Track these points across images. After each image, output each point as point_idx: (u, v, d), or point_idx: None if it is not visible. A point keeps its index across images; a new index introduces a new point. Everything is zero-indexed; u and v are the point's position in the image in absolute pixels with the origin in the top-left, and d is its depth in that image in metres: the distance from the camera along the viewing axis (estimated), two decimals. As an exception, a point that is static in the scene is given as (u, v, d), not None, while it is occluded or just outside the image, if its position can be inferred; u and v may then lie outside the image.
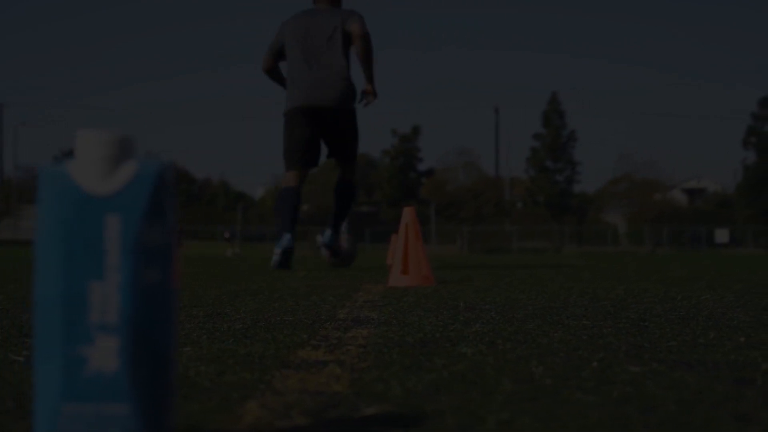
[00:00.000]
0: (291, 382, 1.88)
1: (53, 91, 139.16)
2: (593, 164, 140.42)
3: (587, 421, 1.41)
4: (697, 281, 6.44)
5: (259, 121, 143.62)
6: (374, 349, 2.46)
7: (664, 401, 1.58)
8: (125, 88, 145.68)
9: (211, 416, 1.50)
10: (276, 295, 4.99)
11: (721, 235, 61.89)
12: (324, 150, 9.81)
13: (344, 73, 9.37)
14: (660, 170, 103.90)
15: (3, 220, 77.57)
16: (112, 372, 1.18)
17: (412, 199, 78.38)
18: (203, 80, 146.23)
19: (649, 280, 6.66)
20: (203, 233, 69.19)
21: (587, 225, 75.28)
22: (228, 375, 1.99)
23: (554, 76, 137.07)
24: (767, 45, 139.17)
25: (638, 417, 1.44)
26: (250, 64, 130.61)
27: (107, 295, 1.18)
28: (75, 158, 1.21)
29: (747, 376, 1.88)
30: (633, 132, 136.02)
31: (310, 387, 1.81)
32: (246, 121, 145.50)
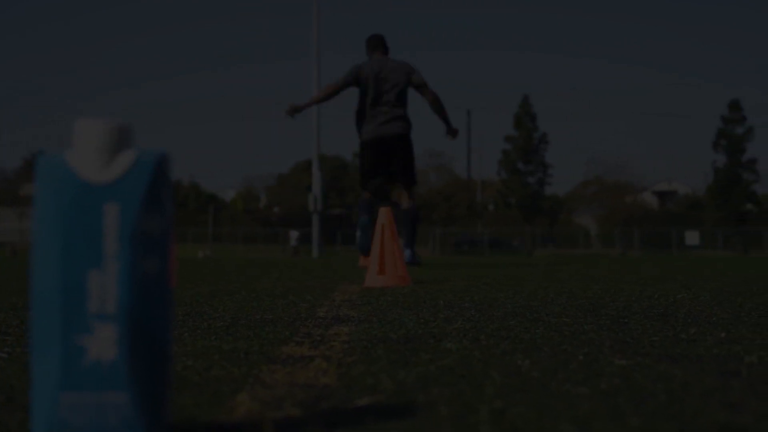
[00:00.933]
0: (279, 375, 1.88)
1: (23, 93, 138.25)
2: (565, 167, 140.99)
3: (579, 412, 1.42)
4: (671, 281, 6.48)
5: (229, 123, 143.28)
6: (359, 345, 2.46)
7: (653, 392, 1.59)
8: (98, 91, 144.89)
9: (204, 409, 1.50)
10: (253, 295, 4.99)
11: (692, 238, 62.26)
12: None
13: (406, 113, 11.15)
14: (630, 173, 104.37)
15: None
16: (111, 361, 1.18)
17: (384, 202, 78.30)
18: (174, 83, 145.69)
19: (623, 280, 6.70)
20: (175, 235, 69.01)
21: (558, 227, 75.56)
22: (215, 370, 1.99)
23: (526, 78, 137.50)
24: (738, 48, 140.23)
25: (629, 407, 1.46)
26: (221, 67, 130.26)
27: (106, 285, 1.18)
28: (73, 147, 1.21)
29: (732, 369, 1.89)
30: (604, 134, 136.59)
31: (299, 380, 1.81)
32: (217, 123, 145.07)
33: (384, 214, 6.85)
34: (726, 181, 71.53)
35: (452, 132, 11.54)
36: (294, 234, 59.05)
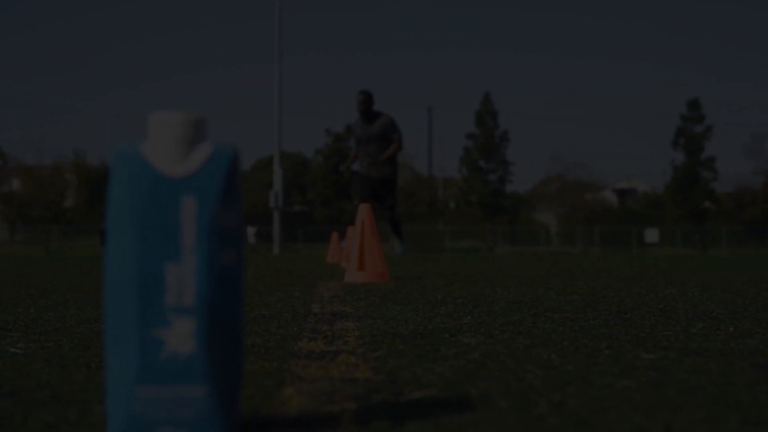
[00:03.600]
0: (313, 370, 1.88)
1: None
2: (526, 165, 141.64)
3: (635, 403, 1.43)
4: (652, 278, 6.53)
5: (213, 123, 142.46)
6: (374, 339, 2.47)
7: (699, 384, 1.61)
8: (59, 86, 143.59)
9: (256, 402, 1.50)
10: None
11: (651, 235, 62.69)
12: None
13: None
14: (591, 171, 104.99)
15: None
16: (188, 354, 1.18)
17: (345, 199, 78.28)
18: (137, 84, 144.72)
19: (602, 277, 6.75)
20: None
21: (520, 225, 75.80)
22: (246, 364, 1.98)
23: (488, 75, 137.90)
24: (695, 47, 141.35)
25: (682, 399, 1.47)
26: (183, 67, 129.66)
27: (183, 277, 1.18)
28: (148, 140, 1.20)
29: (762, 362, 1.92)
30: (565, 132, 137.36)
31: (335, 374, 1.81)
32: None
33: (364, 210, 6.85)
34: (685, 180, 72.08)
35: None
36: (251, 230, 58.71)
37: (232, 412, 1.20)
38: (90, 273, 9.04)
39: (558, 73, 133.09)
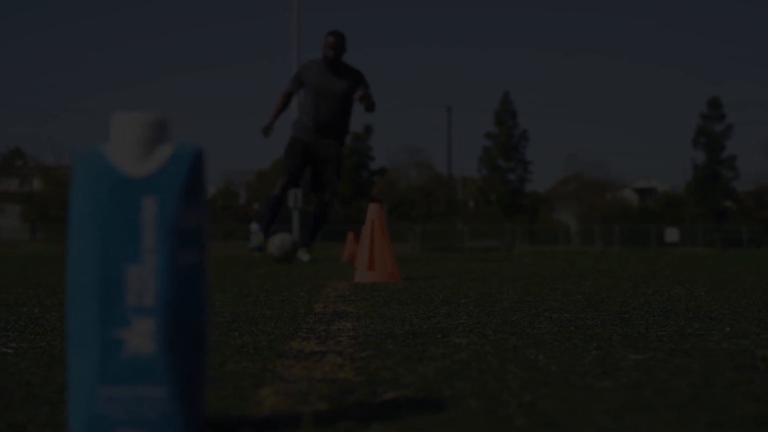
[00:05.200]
0: (296, 370, 1.88)
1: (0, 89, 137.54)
2: (545, 164, 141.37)
3: (608, 405, 1.42)
4: (662, 277, 6.50)
5: (208, 121, 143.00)
6: (367, 340, 2.46)
7: (677, 386, 1.60)
8: (77, 86, 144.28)
9: (230, 403, 1.50)
10: (245, 291, 4.97)
11: (671, 235, 62.47)
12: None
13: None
14: (608, 170, 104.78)
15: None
16: (149, 354, 1.18)
17: (363, 198, 78.32)
18: (154, 83, 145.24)
19: (614, 276, 6.72)
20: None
21: (539, 224, 75.69)
22: (230, 365, 1.98)
23: (507, 74, 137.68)
24: (716, 45, 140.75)
25: (657, 400, 1.46)
26: (200, 66, 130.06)
27: (143, 278, 1.18)
28: (110, 140, 1.20)
29: (747, 363, 1.90)
30: (584, 131, 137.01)
31: (317, 375, 1.81)
32: (196, 121, 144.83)
33: (374, 209, 6.85)
34: (705, 178, 71.84)
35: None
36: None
37: (193, 412, 1.20)
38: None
39: (577, 71, 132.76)
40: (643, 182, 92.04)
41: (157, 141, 1.20)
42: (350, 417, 1.36)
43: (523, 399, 1.47)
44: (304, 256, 11.67)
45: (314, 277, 7.08)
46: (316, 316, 3.32)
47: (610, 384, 1.63)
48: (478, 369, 1.84)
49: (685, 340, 2.38)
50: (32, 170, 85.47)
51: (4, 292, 5.02)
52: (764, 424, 1.29)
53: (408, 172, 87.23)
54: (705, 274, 7.40)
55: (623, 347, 2.21)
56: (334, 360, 2.04)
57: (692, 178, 73.33)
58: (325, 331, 2.73)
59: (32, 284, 6.01)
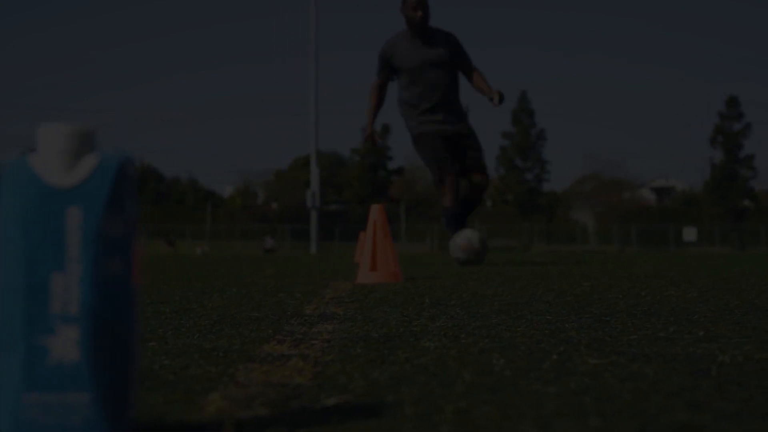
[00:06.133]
0: (255, 375, 1.90)
1: (20, 91, 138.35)
2: (562, 163, 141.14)
3: (543, 411, 1.44)
4: (662, 278, 6.49)
5: (227, 121, 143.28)
6: (339, 343, 2.48)
7: (620, 391, 1.61)
8: (96, 88, 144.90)
9: (175, 407, 1.52)
10: (243, 292, 5.00)
11: (689, 234, 62.32)
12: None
13: None
14: (626, 169, 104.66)
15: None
16: (74, 362, 1.20)
17: (381, 198, 78.39)
18: (172, 81, 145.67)
19: (615, 277, 6.71)
20: (173, 232, 68.95)
21: (556, 224, 75.59)
22: (192, 368, 2.00)
23: (524, 74, 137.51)
24: (735, 44, 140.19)
25: (593, 406, 1.47)
26: (219, 66, 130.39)
27: (68, 286, 1.20)
28: (37, 152, 1.22)
29: (703, 368, 1.91)
30: (602, 131, 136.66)
31: (274, 379, 1.82)
32: (215, 120, 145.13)
33: (376, 210, 6.87)
34: (723, 178, 71.61)
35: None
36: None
37: (119, 418, 1.22)
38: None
39: (595, 71, 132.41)
40: (660, 181, 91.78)
41: (82, 152, 1.22)
42: (284, 423, 1.37)
43: (459, 405, 1.48)
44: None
45: (319, 278, 7.11)
46: (302, 318, 3.34)
47: (555, 390, 1.64)
48: (432, 374, 1.85)
49: (654, 344, 2.38)
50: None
51: None
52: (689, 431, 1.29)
53: (426, 171, 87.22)
54: (709, 274, 7.37)
55: (588, 351, 2.21)
56: (296, 364, 2.05)
57: (710, 177, 73.09)
58: (303, 334, 2.75)
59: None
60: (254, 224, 78.44)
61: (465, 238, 9.74)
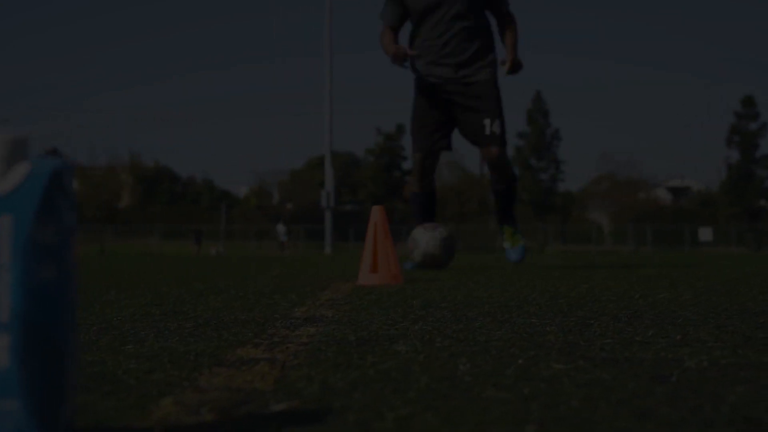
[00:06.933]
0: (218, 379, 1.90)
1: (37, 91, 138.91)
2: (577, 163, 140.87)
3: (486, 417, 1.43)
4: (663, 279, 6.48)
5: (243, 120, 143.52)
6: (313, 347, 2.48)
7: (570, 398, 1.60)
8: (111, 88, 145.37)
9: (123, 413, 1.52)
10: (241, 294, 5.01)
11: (705, 234, 62.10)
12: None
13: None
14: (642, 169, 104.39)
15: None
16: (4, 369, 1.20)
17: (396, 198, 78.39)
18: (187, 81, 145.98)
19: (616, 278, 6.70)
20: (187, 232, 69.13)
21: (571, 224, 75.44)
22: (157, 373, 2.00)
23: (538, 74, 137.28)
24: (750, 43, 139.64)
25: (538, 413, 1.47)
26: (234, 65, 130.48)
27: (-1, 294, 1.20)
28: (-31, 159, 1.23)
29: (665, 373, 1.90)
30: (617, 131, 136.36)
31: (234, 384, 1.83)
32: (230, 120, 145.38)
33: (376, 212, 6.87)
34: (739, 178, 71.35)
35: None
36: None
37: (52, 424, 1.23)
38: (129, 272, 9.14)
39: (610, 70, 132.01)
40: (676, 181, 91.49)
41: (14, 160, 1.22)
42: (219, 429, 1.38)
43: (402, 412, 1.48)
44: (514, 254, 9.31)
45: (323, 279, 7.13)
46: (288, 321, 3.34)
47: (508, 396, 1.63)
48: (392, 379, 1.85)
49: (627, 348, 2.37)
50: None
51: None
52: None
53: (440, 171, 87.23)
54: (712, 275, 7.34)
55: (557, 356, 2.21)
56: (262, 369, 2.06)
57: (726, 177, 72.83)
58: (282, 338, 2.75)
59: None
60: (269, 224, 78.48)
61: (412, 239, 8.95)
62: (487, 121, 8.41)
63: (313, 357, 2.25)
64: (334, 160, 43.60)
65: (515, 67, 8.58)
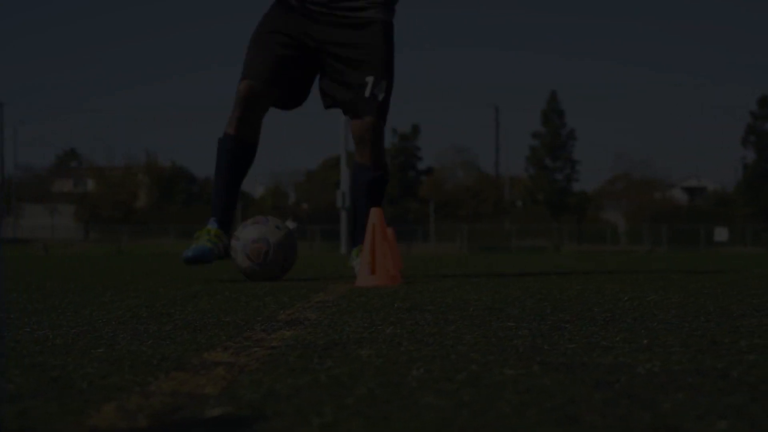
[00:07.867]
0: (169, 384, 1.92)
1: (55, 91, 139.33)
2: (593, 163, 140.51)
3: (415, 424, 1.45)
4: (660, 281, 6.46)
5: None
6: (280, 351, 2.49)
7: (503, 404, 1.62)
8: (127, 88, 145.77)
9: (60, 418, 1.54)
10: (233, 296, 5.01)
11: (720, 234, 61.87)
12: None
13: None
14: (657, 169, 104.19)
15: (4, 219, 77.52)
16: None
17: (411, 198, 78.40)
18: (205, 81, 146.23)
19: (615, 280, 6.69)
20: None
21: (587, 224, 75.26)
22: (113, 377, 2.02)
23: (554, 74, 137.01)
24: (766, 43, 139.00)
25: (466, 420, 1.48)
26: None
27: None
28: None
29: (611, 379, 1.91)
30: (632, 131, 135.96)
31: (183, 389, 1.84)
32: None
33: (375, 214, 6.88)
34: (755, 178, 71.03)
35: None
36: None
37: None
38: (134, 273, 9.17)
39: (625, 70, 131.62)
40: (692, 181, 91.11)
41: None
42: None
43: (328, 419, 1.49)
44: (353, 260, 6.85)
45: (322, 280, 7.14)
46: (268, 324, 3.35)
47: (445, 403, 1.64)
48: (339, 384, 1.87)
49: (588, 353, 2.38)
50: (86, 171, 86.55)
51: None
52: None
53: (455, 171, 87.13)
54: (714, 276, 7.32)
55: (514, 362, 2.21)
56: (219, 373, 2.07)
57: (742, 178, 72.53)
58: (255, 341, 2.76)
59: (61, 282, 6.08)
60: (284, 224, 78.20)
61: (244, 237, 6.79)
62: (370, 79, 6.34)
63: (275, 361, 2.27)
64: (350, 160, 43.66)
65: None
